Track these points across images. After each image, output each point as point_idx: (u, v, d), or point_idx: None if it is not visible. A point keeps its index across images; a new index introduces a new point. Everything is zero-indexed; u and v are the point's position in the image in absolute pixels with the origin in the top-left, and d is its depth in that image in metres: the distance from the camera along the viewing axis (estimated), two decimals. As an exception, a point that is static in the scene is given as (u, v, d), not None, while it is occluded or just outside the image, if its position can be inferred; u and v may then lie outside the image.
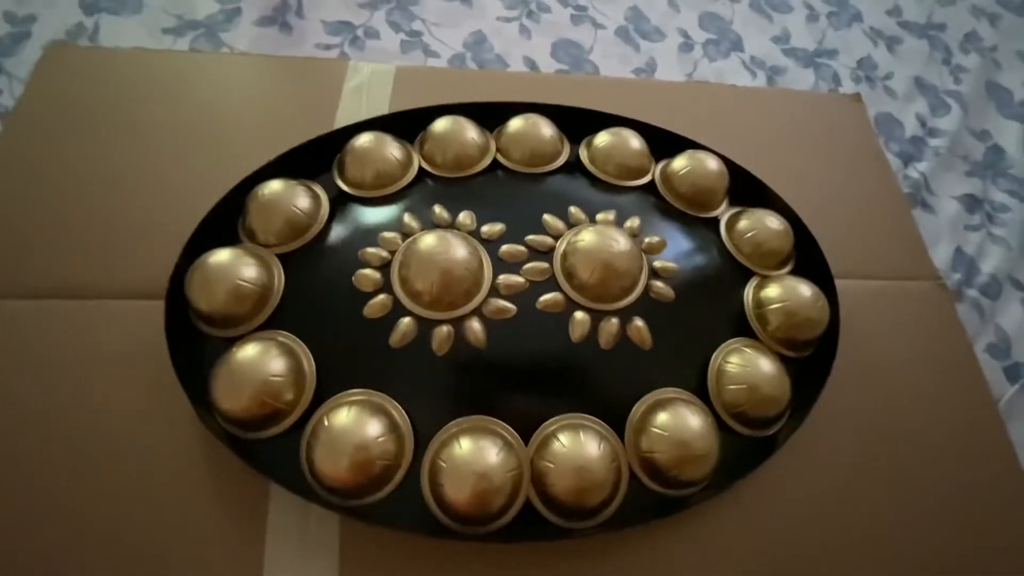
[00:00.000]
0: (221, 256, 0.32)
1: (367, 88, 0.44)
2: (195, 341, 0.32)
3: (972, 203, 0.50)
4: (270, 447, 0.29)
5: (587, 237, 0.34)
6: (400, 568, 0.29)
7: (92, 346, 0.32)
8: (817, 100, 0.51)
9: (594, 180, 0.39)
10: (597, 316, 0.32)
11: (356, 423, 0.28)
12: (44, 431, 0.30)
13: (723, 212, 0.40)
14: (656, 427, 0.30)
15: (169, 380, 0.30)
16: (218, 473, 0.30)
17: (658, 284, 0.34)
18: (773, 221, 0.38)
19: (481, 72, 0.48)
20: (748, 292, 0.36)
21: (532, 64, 0.49)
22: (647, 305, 0.33)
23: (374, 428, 0.29)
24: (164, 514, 0.29)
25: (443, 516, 0.28)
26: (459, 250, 0.32)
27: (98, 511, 0.29)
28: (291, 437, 0.29)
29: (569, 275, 0.33)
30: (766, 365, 0.33)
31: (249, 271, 0.32)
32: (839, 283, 0.38)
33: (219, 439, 0.29)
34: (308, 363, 0.31)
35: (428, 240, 0.33)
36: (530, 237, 0.34)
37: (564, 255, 0.34)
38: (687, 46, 0.53)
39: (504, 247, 0.34)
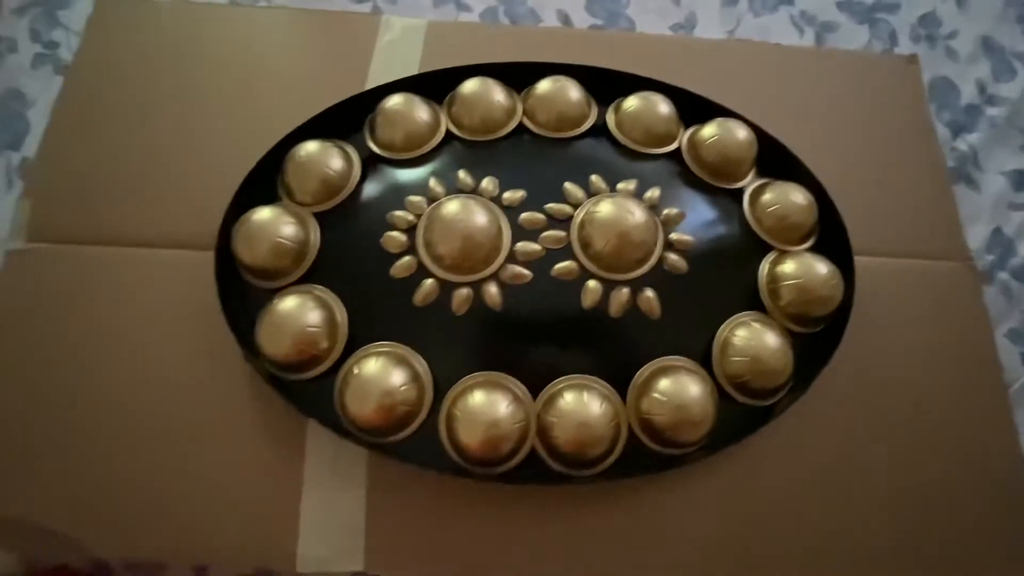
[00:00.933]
0: (263, 214, 0.35)
1: (399, 45, 0.44)
2: (241, 290, 0.35)
3: (1021, 180, 0.48)
4: (308, 388, 0.33)
5: (604, 208, 0.35)
6: (418, 499, 0.33)
7: (145, 293, 0.36)
8: (867, 62, 0.48)
9: (619, 147, 0.39)
10: (609, 285, 0.34)
11: (382, 372, 0.32)
12: (97, 375, 0.34)
13: (749, 183, 0.40)
14: (657, 392, 0.32)
15: (219, 325, 0.34)
16: (263, 410, 0.34)
17: (672, 256, 0.35)
18: (797, 195, 0.38)
19: (512, 28, 0.47)
20: (764, 267, 0.37)
21: (566, 19, 0.48)
22: (659, 276, 0.35)
23: (398, 377, 0.32)
24: (213, 448, 0.33)
25: (456, 457, 0.32)
26: (480, 217, 0.34)
27: (155, 444, 0.33)
28: (326, 380, 0.33)
29: (585, 244, 0.34)
30: (771, 339, 0.34)
31: (288, 229, 0.35)
32: (863, 260, 0.38)
33: (264, 380, 0.33)
34: (341, 315, 0.34)
35: (451, 206, 0.34)
36: (549, 205, 0.36)
37: (581, 224, 0.35)
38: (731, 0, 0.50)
39: (524, 215, 0.35)
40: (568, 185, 0.36)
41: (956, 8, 0.51)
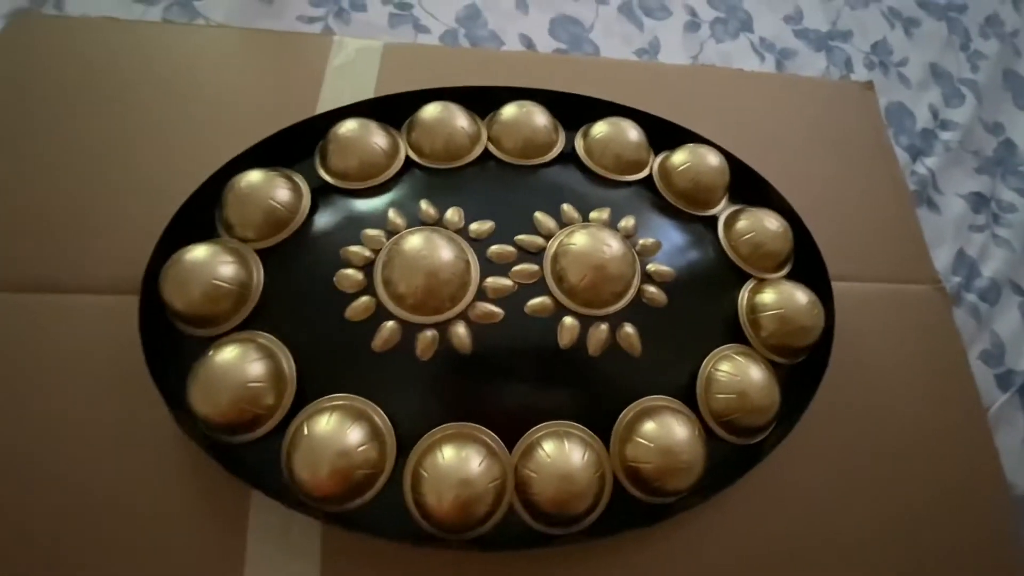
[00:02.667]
0: (197, 253, 0.31)
1: (353, 67, 0.41)
2: (172, 339, 0.31)
3: (979, 202, 0.49)
4: (250, 451, 0.29)
5: (579, 239, 0.32)
6: (382, 574, 0.29)
7: (62, 343, 0.31)
8: (827, 88, 0.49)
9: (589, 174, 0.38)
10: (586, 322, 0.32)
11: (336, 430, 0.28)
12: (9, 433, 0.29)
13: (722, 210, 0.38)
14: (641, 437, 0.30)
15: (145, 379, 0.29)
16: (197, 476, 0.29)
17: (651, 289, 0.33)
18: (772, 222, 0.37)
19: (474, 51, 0.45)
20: (743, 296, 0.35)
21: (529, 42, 0.46)
22: (638, 310, 0.33)
23: (355, 435, 0.28)
24: (141, 523, 0.28)
25: (425, 523, 0.28)
26: (445, 251, 0.31)
27: (70, 516, 0.28)
28: (272, 441, 0.29)
29: (559, 279, 0.32)
30: (756, 374, 0.32)
31: (225, 269, 0.31)
32: (836, 286, 0.37)
33: (197, 443, 0.28)
34: (288, 365, 0.30)
35: (413, 240, 0.31)
36: (520, 237, 0.33)
37: (555, 257, 0.33)
38: (693, 25, 0.50)
39: (493, 247, 0.33)
40: (539, 215, 0.34)
41: (905, 36, 0.53)
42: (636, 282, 0.33)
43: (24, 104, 0.37)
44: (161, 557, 0.28)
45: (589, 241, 0.32)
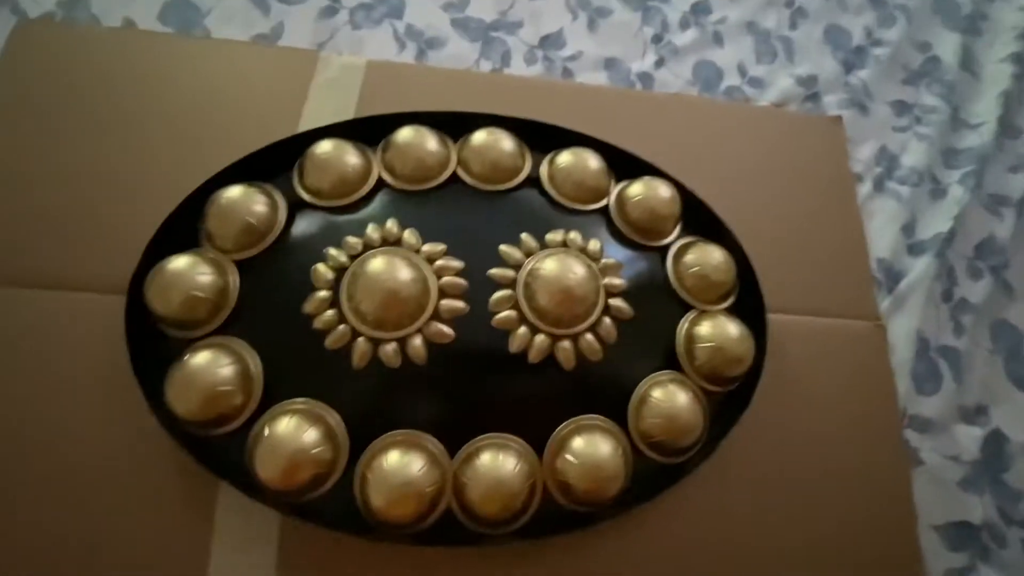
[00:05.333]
0: (178, 263, 0.34)
1: (336, 84, 0.44)
2: (154, 338, 0.34)
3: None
4: (219, 445, 0.32)
5: (548, 265, 0.35)
6: (331, 560, 0.32)
7: (51, 337, 0.35)
8: (793, 120, 0.50)
9: (551, 201, 0.40)
10: (539, 339, 0.34)
11: (295, 431, 0.31)
12: None
13: (674, 240, 0.41)
14: (570, 452, 0.33)
15: (127, 374, 0.33)
16: (173, 464, 0.33)
17: (606, 320, 0.36)
18: (717, 256, 0.39)
19: (453, 72, 0.48)
20: (682, 327, 0.38)
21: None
22: (587, 334, 0.35)
23: (311, 436, 0.31)
24: (118, 500, 0.32)
25: (369, 518, 0.32)
26: (404, 273, 0.34)
27: (54, 494, 0.32)
28: (239, 437, 0.32)
29: (522, 303, 0.35)
30: (684, 400, 0.35)
31: (204, 279, 0.34)
32: (777, 318, 0.40)
33: (172, 436, 0.32)
34: (256, 369, 0.33)
35: (377, 261, 0.34)
36: (482, 263, 0.36)
37: (525, 284, 0.35)
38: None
39: (446, 277, 0.35)
40: (503, 247, 0.36)
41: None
42: (600, 305, 0.36)
43: (26, 107, 0.40)
44: (135, 534, 0.32)
45: (557, 265, 0.35)
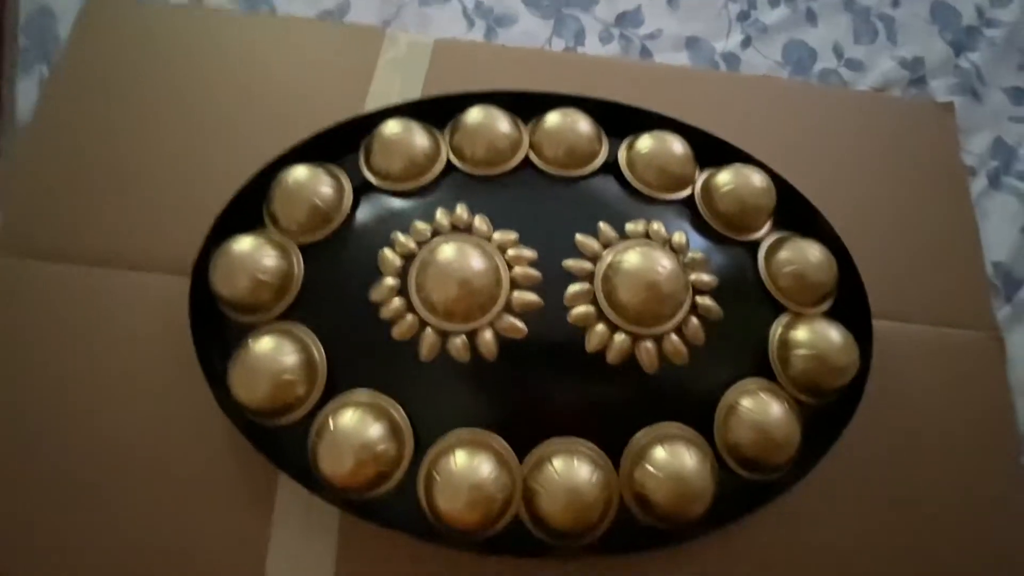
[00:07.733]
0: (243, 245, 0.33)
1: (403, 62, 0.42)
2: (218, 321, 0.33)
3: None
4: (281, 435, 0.31)
5: (631, 258, 0.32)
6: (392, 562, 0.31)
7: (115, 317, 0.34)
8: (900, 106, 0.45)
9: (630, 189, 0.37)
10: (619, 339, 0.31)
11: (359, 426, 0.30)
12: (59, 398, 0.33)
13: (766, 235, 0.37)
14: (651, 463, 0.30)
15: (191, 357, 0.32)
16: (232, 453, 0.32)
17: (692, 320, 0.32)
18: (816, 254, 0.35)
19: (524, 51, 0.45)
20: (776, 330, 0.34)
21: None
22: (671, 335, 0.32)
23: (375, 432, 0.30)
24: (176, 484, 0.31)
25: (434, 521, 0.30)
26: (476, 262, 0.32)
27: (113, 473, 0.31)
28: (301, 428, 0.31)
29: (600, 298, 0.32)
30: (778, 412, 0.31)
31: (269, 262, 0.32)
32: (881, 325, 0.36)
33: (233, 423, 0.31)
34: (320, 358, 0.32)
35: (446, 249, 0.32)
36: (556, 254, 0.33)
37: (605, 277, 0.32)
38: None
39: (519, 267, 0.33)
40: (579, 237, 0.34)
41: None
42: (686, 305, 0.32)
43: (96, 84, 0.40)
44: (193, 520, 0.31)
45: (640, 260, 0.32)
